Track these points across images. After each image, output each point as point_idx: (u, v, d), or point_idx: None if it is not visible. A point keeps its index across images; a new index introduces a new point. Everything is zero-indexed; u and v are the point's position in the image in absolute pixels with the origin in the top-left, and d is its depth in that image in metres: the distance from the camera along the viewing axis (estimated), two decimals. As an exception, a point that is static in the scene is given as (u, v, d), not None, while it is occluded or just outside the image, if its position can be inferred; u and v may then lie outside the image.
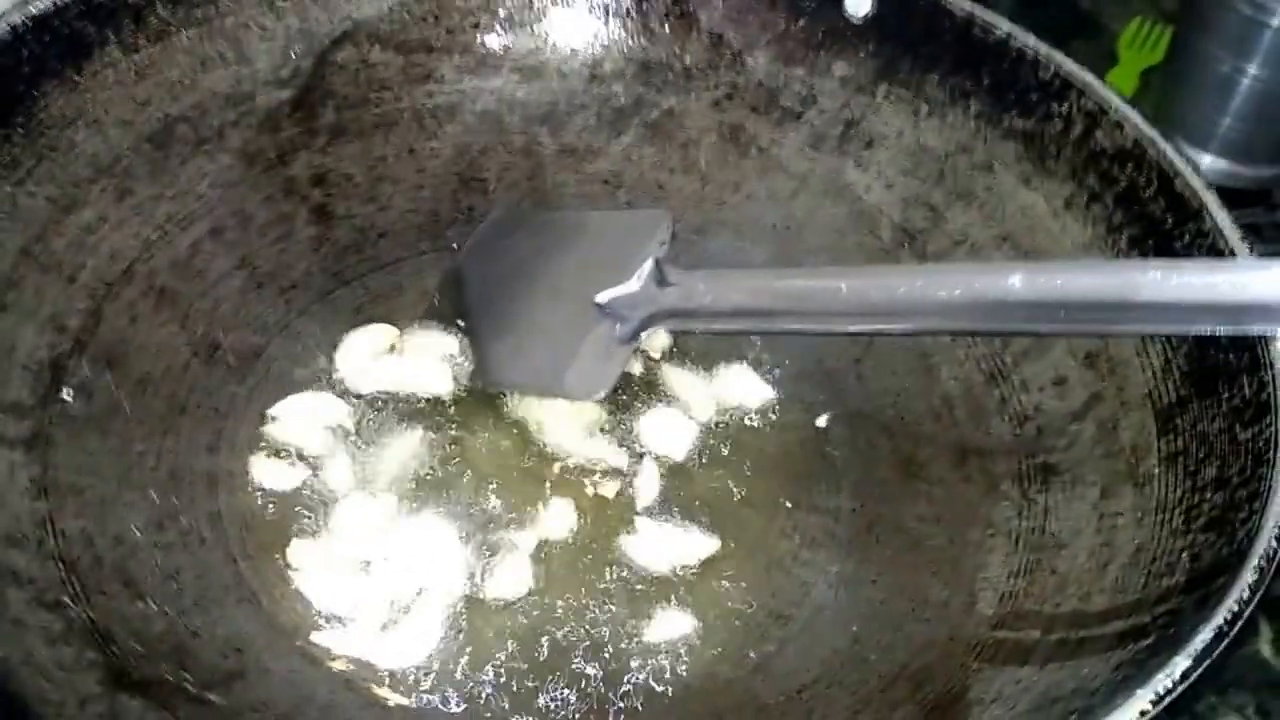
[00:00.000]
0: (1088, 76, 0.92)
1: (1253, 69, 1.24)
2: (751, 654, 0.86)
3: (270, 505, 0.90)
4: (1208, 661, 0.66)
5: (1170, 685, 0.65)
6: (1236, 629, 0.67)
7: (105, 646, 0.76)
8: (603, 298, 0.95)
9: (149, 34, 0.94)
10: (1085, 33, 1.51)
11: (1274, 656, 0.99)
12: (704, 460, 0.96)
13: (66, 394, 0.85)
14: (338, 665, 0.83)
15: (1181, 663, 0.65)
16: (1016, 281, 0.77)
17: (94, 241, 0.91)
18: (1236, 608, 0.68)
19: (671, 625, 0.87)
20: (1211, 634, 0.67)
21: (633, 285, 0.94)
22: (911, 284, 0.82)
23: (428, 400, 0.97)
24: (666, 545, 0.91)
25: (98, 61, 0.92)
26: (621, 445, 0.96)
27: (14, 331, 0.84)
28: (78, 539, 0.80)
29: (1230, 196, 0.85)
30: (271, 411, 0.94)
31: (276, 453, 0.93)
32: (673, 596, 0.88)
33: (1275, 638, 0.99)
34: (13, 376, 0.83)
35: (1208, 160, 0.87)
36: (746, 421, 0.98)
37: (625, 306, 0.95)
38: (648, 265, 0.94)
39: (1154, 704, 0.64)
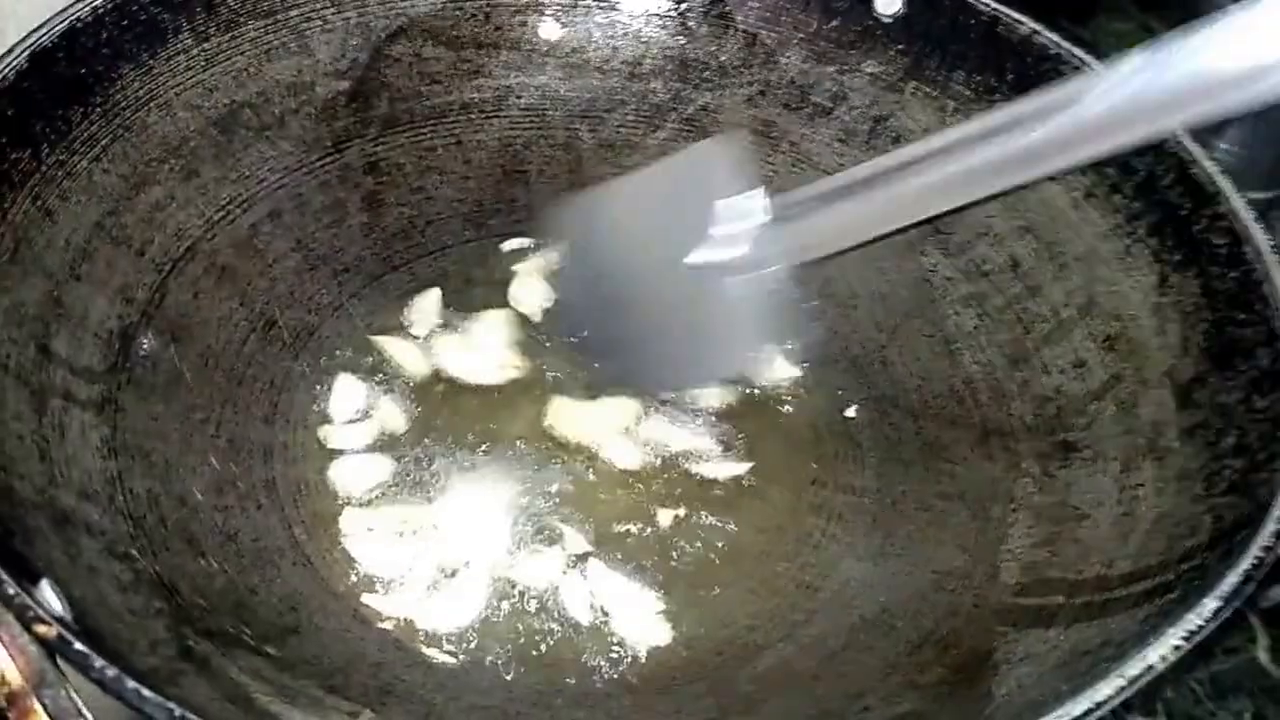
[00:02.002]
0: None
1: (1248, 95, 1.27)
2: (782, 623, 0.88)
3: (324, 474, 0.93)
4: (1236, 603, 0.68)
5: (1200, 624, 0.67)
6: (1263, 573, 0.70)
7: (171, 598, 0.78)
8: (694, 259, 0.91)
9: (219, 23, 0.98)
10: (1084, 63, 1.53)
11: (1271, 663, 1.00)
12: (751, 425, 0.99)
13: (145, 345, 0.89)
14: (386, 625, 0.85)
15: (1211, 604, 0.68)
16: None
17: (162, 219, 0.94)
18: (1262, 553, 0.70)
19: (707, 598, 0.89)
20: (1239, 578, 0.69)
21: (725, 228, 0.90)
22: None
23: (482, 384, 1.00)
24: (701, 523, 0.93)
25: (171, 47, 0.96)
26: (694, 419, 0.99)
27: (87, 300, 0.87)
28: (144, 498, 0.83)
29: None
30: (335, 386, 0.98)
31: (332, 423, 0.96)
32: (709, 569, 0.91)
33: (1273, 645, 1.00)
34: (85, 343, 0.86)
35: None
36: (775, 404, 1.00)
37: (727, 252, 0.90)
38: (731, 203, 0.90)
39: (1185, 640, 0.67)
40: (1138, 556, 0.80)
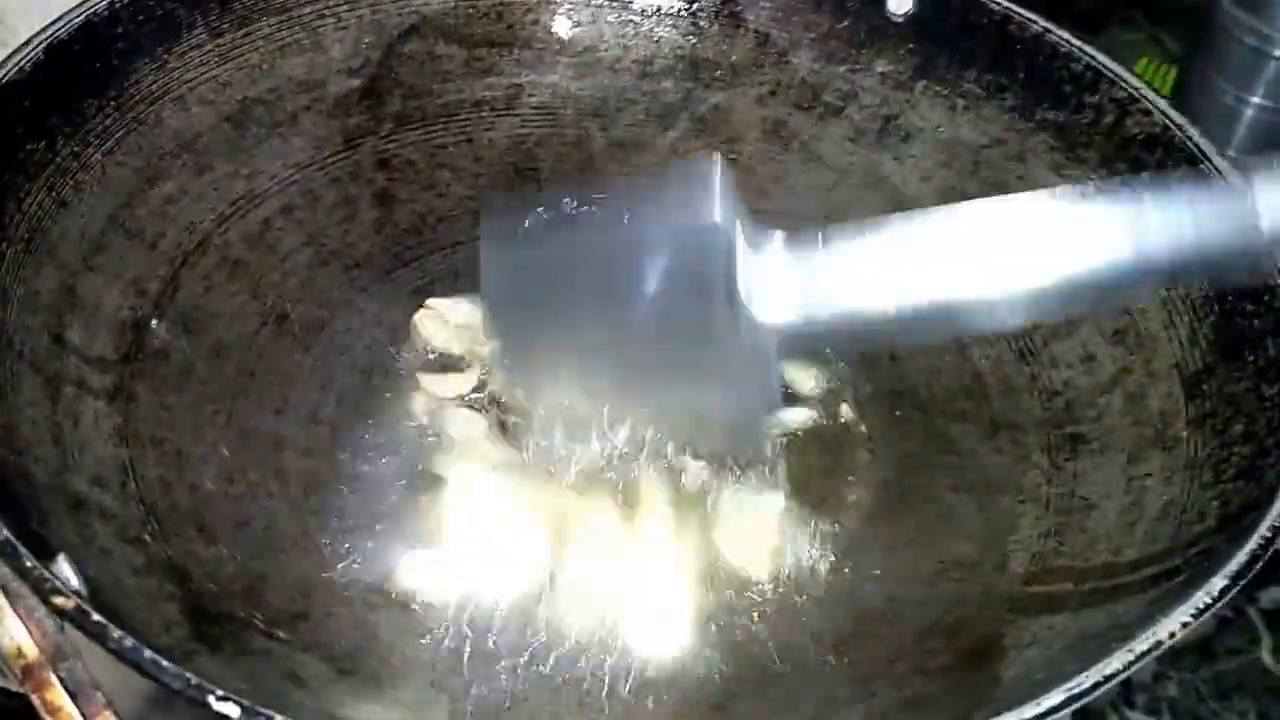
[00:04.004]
0: (1118, 68, 0.96)
1: (1256, 100, 1.27)
2: (790, 611, 0.88)
3: (336, 464, 0.93)
4: (1243, 582, 0.69)
5: (1209, 601, 0.68)
6: (1270, 552, 0.70)
7: (183, 582, 0.79)
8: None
9: (233, 19, 0.99)
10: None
11: (1275, 664, 1.01)
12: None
13: (157, 336, 0.90)
14: (397, 613, 0.85)
15: (1219, 582, 0.69)
16: None
17: (174, 212, 0.95)
18: (1270, 533, 0.71)
19: (716, 587, 0.89)
20: (1247, 557, 0.70)
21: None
22: None
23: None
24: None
25: (185, 43, 0.97)
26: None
27: (100, 291, 0.88)
28: (156, 485, 0.84)
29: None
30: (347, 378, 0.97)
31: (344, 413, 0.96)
32: (719, 562, 0.90)
33: (1275, 645, 1.01)
34: (98, 332, 0.87)
35: (1213, 190, 0.91)
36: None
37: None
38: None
39: (1195, 616, 0.67)
40: (1145, 544, 0.80)
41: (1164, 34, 1.57)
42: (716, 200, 0.79)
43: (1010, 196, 0.80)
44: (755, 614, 0.88)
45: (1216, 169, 0.89)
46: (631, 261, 0.82)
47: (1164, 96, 0.95)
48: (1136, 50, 1.56)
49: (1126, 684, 0.73)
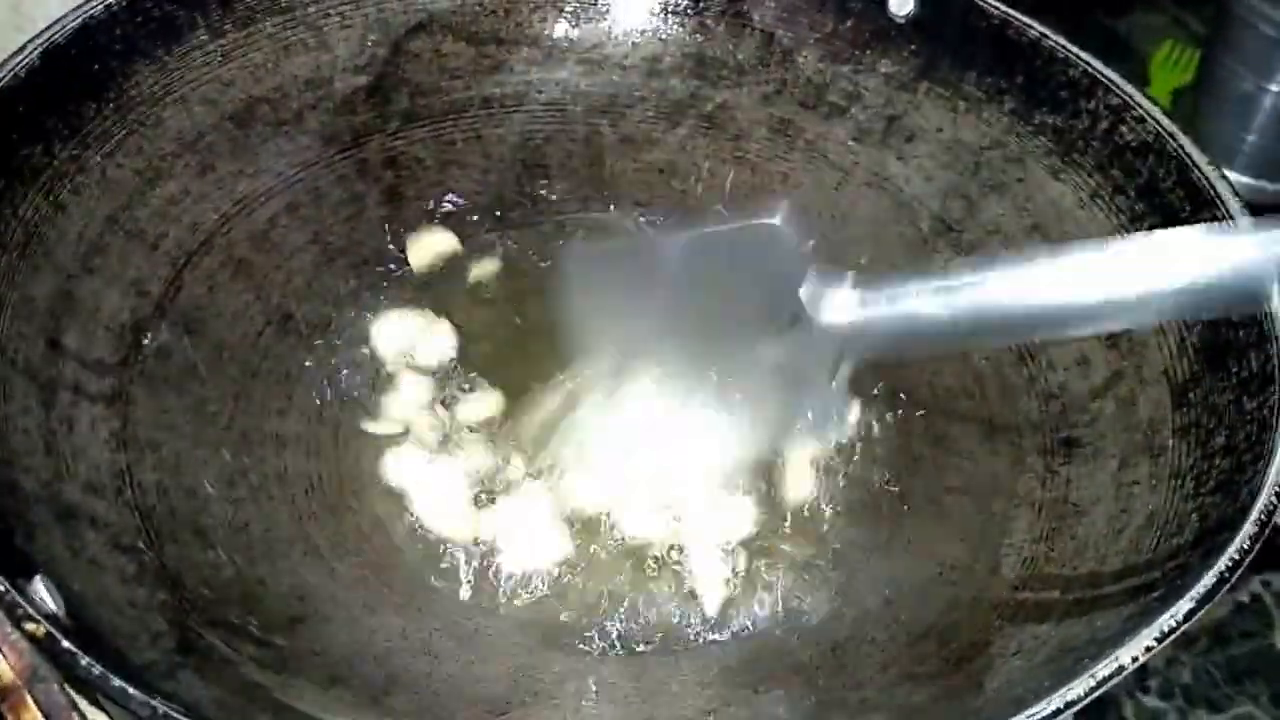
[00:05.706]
0: (1113, 75, 0.95)
1: (1275, 88, 1.26)
2: (787, 614, 0.89)
3: (339, 464, 0.94)
4: (1209, 605, 0.69)
5: (1174, 625, 0.68)
6: (1237, 576, 0.70)
7: (175, 589, 0.79)
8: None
9: (235, 19, 0.99)
10: (1119, 54, 1.52)
11: (1287, 648, 1.01)
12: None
13: (158, 338, 0.91)
14: (395, 619, 0.86)
15: (1185, 605, 0.69)
16: None
17: (176, 213, 0.95)
18: (1237, 557, 0.71)
19: (715, 590, 0.90)
20: (1213, 580, 0.70)
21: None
22: None
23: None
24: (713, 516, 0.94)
25: (187, 43, 0.96)
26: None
27: (100, 294, 0.89)
28: (153, 490, 0.84)
29: (1254, 211, 0.88)
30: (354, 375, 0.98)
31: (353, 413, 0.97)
32: (716, 564, 0.91)
33: (1289, 630, 1.02)
34: (97, 336, 0.87)
35: (1232, 176, 0.89)
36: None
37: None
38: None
39: (1158, 641, 0.68)
40: (1128, 554, 0.81)
41: (1189, 16, 1.56)
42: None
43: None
44: (753, 615, 0.89)
45: (1206, 178, 0.89)
46: (702, 258, 0.94)
47: (1159, 105, 0.94)
48: (1160, 33, 1.54)
49: (1140, 668, 0.73)
